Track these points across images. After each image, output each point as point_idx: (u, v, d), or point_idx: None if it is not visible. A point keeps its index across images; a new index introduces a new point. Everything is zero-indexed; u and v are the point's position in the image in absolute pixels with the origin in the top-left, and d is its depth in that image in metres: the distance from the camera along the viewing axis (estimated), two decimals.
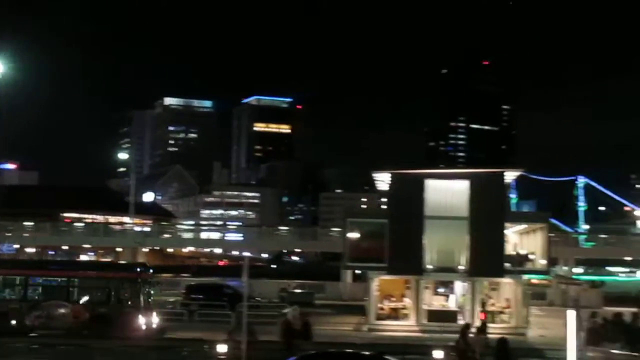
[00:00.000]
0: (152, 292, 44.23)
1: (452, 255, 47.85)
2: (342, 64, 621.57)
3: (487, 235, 46.64)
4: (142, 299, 42.42)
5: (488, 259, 46.38)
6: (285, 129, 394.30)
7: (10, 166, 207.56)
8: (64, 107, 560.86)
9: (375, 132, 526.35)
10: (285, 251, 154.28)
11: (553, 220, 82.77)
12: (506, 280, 48.47)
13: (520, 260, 49.23)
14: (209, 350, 33.21)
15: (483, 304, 47.49)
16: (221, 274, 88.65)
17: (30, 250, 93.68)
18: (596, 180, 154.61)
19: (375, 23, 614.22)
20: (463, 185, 47.56)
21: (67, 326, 41.53)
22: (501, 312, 48.20)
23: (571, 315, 22.82)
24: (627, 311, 37.18)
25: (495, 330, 38.51)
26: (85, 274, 44.31)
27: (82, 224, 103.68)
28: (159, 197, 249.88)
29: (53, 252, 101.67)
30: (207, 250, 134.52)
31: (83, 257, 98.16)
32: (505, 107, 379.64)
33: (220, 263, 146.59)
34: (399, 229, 47.38)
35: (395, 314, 49.29)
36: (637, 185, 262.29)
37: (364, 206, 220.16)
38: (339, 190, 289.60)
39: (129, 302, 42.17)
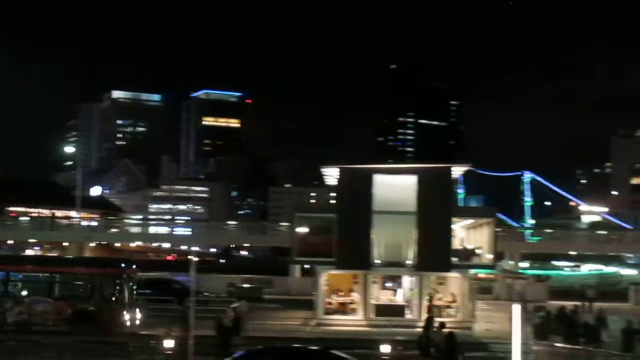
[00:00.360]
0: (135, 288, 43.78)
1: (400, 250, 48.15)
2: (293, 58, 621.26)
3: (435, 230, 47.04)
4: (126, 295, 42.05)
5: (435, 254, 46.78)
6: (234, 123, 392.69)
7: None
8: (10, 100, 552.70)
9: (325, 127, 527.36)
10: (234, 246, 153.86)
11: (499, 215, 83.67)
12: (453, 275, 48.91)
13: (467, 254, 49.70)
14: (155, 346, 33.00)
15: (430, 299, 47.88)
16: (169, 269, 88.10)
17: None
18: (542, 176, 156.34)
19: (326, 17, 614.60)
20: (411, 181, 47.85)
21: (50, 323, 41.01)
22: (448, 307, 48.62)
23: (516, 309, 23.09)
24: (569, 305, 37.88)
25: None
26: (68, 269, 43.81)
27: (28, 218, 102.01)
28: (107, 191, 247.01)
29: None
30: (155, 244, 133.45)
31: (28, 252, 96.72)
32: (453, 102, 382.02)
33: (169, 258, 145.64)
34: (347, 224, 47.58)
35: (343, 309, 49.48)
36: (582, 181, 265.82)
37: (313, 201, 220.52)
38: (288, 185, 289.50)
39: (113, 299, 41.78)
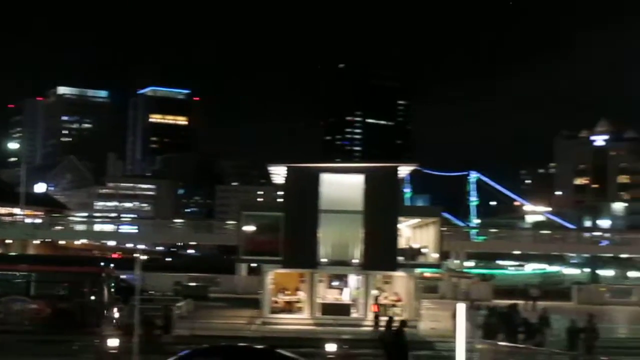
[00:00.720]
0: (113, 287, 43.37)
1: (346, 249, 48.34)
2: (241, 57, 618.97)
3: (381, 229, 47.23)
4: (105, 294, 41.76)
5: (382, 253, 46.97)
6: (182, 120, 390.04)
7: None
8: None
9: (272, 125, 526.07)
10: (181, 244, 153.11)
11: (445, 215, 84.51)
12: (399, 274, 49.16)
13: (413, 253, 49.99)
14: (99, 345, 32.75)
15: (376, 297, 48.09)
16: (115, 267, 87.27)
17: None
18: (488, 176, 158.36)
19: (274, 15, 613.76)
20: (358, 180, 47.99)
21: (26, 322, 40.57)
22: (393, 305, 48.83)
23: (461, 308, 23.25)
24: (511, 303, 38.37)
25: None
26: (46, 268, 43.22)
27: None
28: (52, 188, 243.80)
29: None
30: (101, 242, 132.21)
31: None
32: (401, 102, 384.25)
33: (114, 256, 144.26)
34: (294, 223, 47.59)
35: (289, 308, 49.55)
36: (527, 181, 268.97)
37: (260, 199, 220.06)
38: (235, 183, 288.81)
39: (92, 297, 41.44)
